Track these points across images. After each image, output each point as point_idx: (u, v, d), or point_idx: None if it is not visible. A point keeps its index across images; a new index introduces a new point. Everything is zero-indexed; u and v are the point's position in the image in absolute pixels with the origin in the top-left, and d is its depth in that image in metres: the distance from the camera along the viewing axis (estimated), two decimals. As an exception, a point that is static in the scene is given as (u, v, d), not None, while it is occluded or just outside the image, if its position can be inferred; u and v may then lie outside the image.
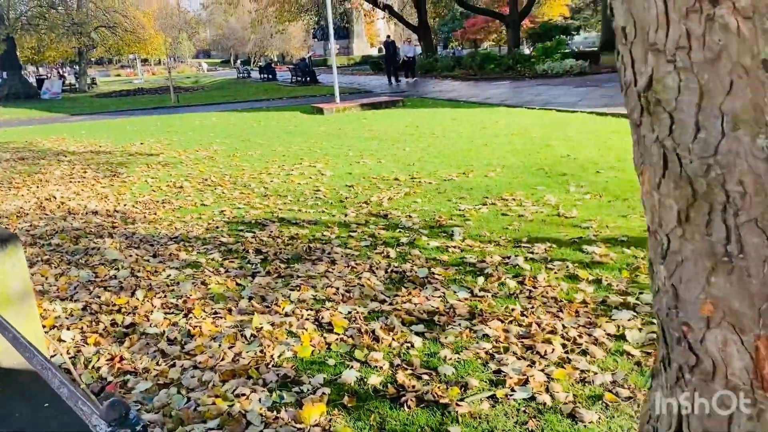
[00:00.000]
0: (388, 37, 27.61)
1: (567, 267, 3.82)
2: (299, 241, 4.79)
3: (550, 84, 17.72)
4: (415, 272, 3.91)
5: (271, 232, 5.09)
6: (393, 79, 24.35)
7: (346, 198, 6.12)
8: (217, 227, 5.36)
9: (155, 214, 5.94)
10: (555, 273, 3.74)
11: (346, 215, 5.47)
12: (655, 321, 3.01)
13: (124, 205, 6.42)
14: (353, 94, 20.29)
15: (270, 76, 35.00)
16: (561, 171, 6.57)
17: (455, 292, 3.55)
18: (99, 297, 3.86)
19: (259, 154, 9.27)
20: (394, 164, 7.70)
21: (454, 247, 4.39)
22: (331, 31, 16.02)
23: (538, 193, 5.73)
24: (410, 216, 5.28)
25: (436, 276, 3.83)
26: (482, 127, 10.27)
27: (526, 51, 28.37)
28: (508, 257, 4.09)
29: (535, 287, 3.54)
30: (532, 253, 4.14)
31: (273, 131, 11.96)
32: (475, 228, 4.81)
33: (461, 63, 26.78)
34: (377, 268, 4.05)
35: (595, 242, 4.26)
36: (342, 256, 4.36)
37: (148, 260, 4.55)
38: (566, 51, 22.35)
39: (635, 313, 3.11)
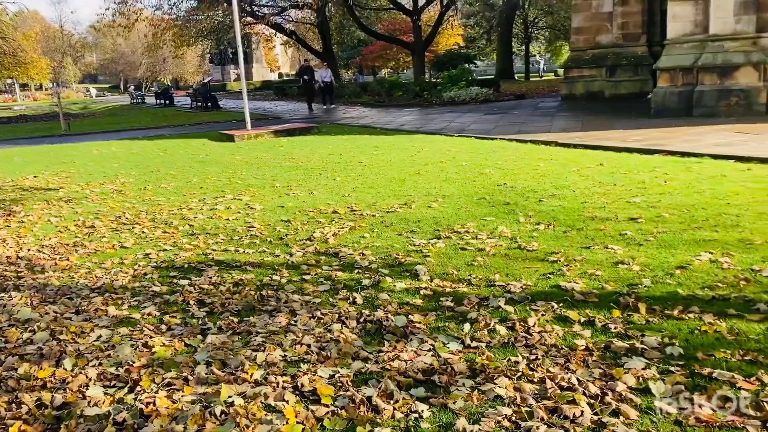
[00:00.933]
0: (306, 61, 27.12)
1: (552, 308, 3.57)
2: (246, 287, 4.27)
3: (458, 111, 17.97)
4: (392, 321, 3.52)
5: (211, 278, 4.53)
6: (312, 105, 23.76)
7: (286, 235, 5.64)
8: (146, 274, 4.72)
9: (68, 260, 5.19)
10: (543, 315, 3.48)
11: (291, 255, 5.00)
12: (672, 368, 2.80)
13: (28, 250, 5.59)
14: (261, 120, 19.65)
15: (167, 102, 33.54)
16: (503, 200, 6.42)
17: (445, 344, 3.19)
18: (15, 369, 3.17)
19: (174, 186, 8.55)
20: (328, 195, 7.28)
21: (425, 288, 4.04)
22: (241, 55, 15.40)
23: (489, 224, 5.52)
24: (363, 254, 4.89)
25: (416, 325, 3.46)
26: (409, 155, 10.07)
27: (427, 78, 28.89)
28: (487, 298, 3.79)
29: (529, 333, 3.25)
30: (510, 292, 3.86)
31: (183, 160, 11.18)
32: (439, 265, 4.49)
33: (367, 89, 26.81)
34: (347, 318, 3.62)
35: (569, 277, 4.05)
36: (301, 304, 3.89)
37: (70, 318, 3.88)
38: (471, 78, 22.85)
39: (646, 360, 2.88)
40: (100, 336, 3.56)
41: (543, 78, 44.49)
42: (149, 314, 3.88)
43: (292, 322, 3.61)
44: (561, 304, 3.61)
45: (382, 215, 6.14)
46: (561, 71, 51.49)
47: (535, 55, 55.08)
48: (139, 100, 38.32)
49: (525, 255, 4.62)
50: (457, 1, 32.68)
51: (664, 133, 10.33)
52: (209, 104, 26.67)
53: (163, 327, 3.67)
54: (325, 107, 23.34)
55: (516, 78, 40.81)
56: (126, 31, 30.88)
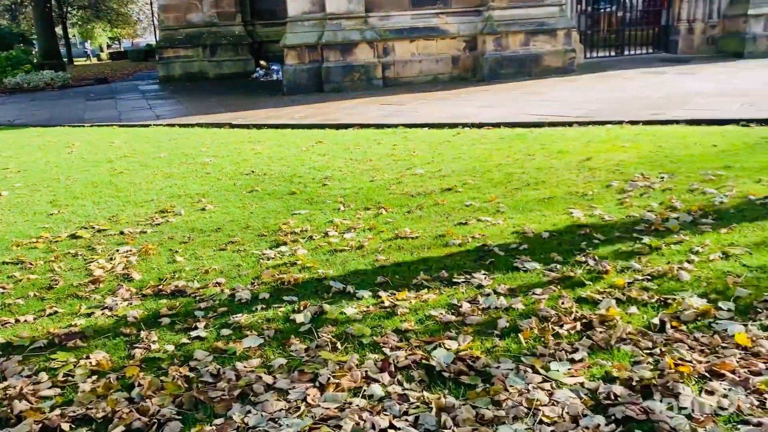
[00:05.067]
0: None
1: (554, 291, 3.13)
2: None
3: (40, 98, 14.88)
4: (438, 360, 2.54)
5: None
6: None
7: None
8: None
9: None
10: (565, 304, 3.01)
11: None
12: None
13: None
14: None
15: None
16: (287, 190, 5.46)
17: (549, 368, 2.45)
18: None
19: None
20: None
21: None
22: None
23: (316, 218, 4.61)
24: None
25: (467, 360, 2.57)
26: (94, 152, 7.76)
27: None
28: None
29: (604, 325, 2.75)
30: (489, 287, 3.24)
31: None
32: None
33: None
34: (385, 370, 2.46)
35: (494, 252, 3.63)
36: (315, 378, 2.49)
37: None
38: (36, 61, 19.18)
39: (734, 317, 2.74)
40: None
41: (94, 63, 40.62)
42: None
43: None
44: (563, 287, 3.19)
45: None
46: (105, 55, 48.09)
47: (74, 37, 49.79)
48: None
49: (432, 243, 3.98)
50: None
51: (320, 109, 10.46)
52: None
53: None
54: None
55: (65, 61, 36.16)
56: None
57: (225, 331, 2.92)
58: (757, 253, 3.36)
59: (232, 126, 9.42)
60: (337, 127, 8.65)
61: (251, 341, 2.79)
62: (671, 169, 5.20)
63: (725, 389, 2.19)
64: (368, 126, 8.61)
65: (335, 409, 2.24)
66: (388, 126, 8.44)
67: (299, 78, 12.95)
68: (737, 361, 2.36)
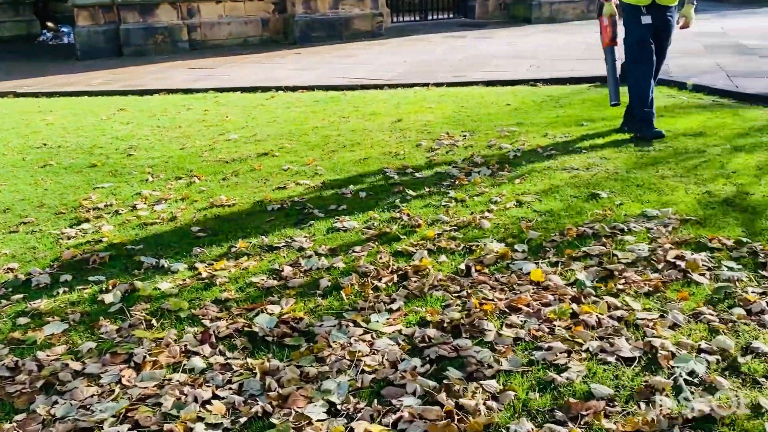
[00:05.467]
0: None
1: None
2: None
3: None
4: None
5: None
6: None
7: None
8: None
9: None
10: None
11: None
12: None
13: None
14: None
15: None
16: (68, 163, 5.02)
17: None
18: None
19: None
20: None
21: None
22: None
23: (123, 192, 4.31)
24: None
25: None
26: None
27: None
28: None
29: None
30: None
31: None
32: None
33: None
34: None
35: (314, 215, 3.68)
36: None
37: None
38: None
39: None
40: None
41: None
42: None
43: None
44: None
45: None
46: None
47: None
48: None
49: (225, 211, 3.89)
50: None
51: (121, 74, 9.67)
52: None
53: None
54: None
55: None
56: None
57: (22, 320, 2.65)
58: (545, 199, 3.76)
59: (17, 95, 8.38)
60: (142, 93, 8.07)
61: (54, 327, 2.56)
62: (472, 127, 5.59)
63: (522, 321, 2.45)
64: (176, 91, 8.15)
65: (154, 387, 2.14)
66: (198, 91, 8.06)
67: (95, 41, 11.81)
68: (531, 296, 2.64)
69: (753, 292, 2.57)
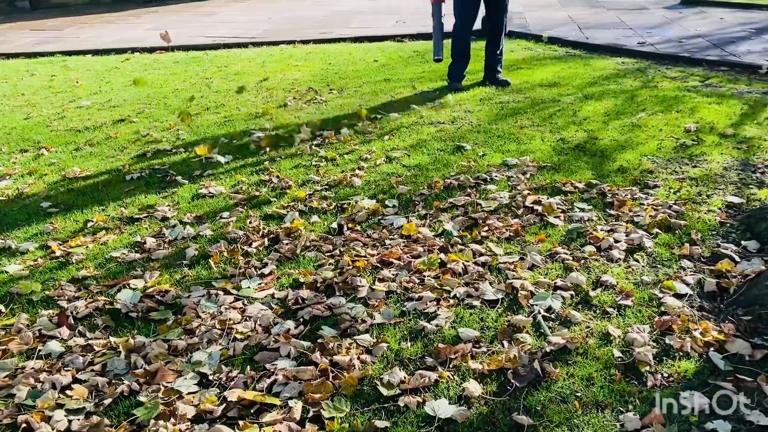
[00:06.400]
0: None
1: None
2: None
3: None
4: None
5: None
6: None
7: None
8: None
9: None
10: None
11: None
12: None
13: None
14: None
15: None
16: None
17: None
18: None
19: None
20: None
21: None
22: None
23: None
24: None
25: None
26: None
27: None
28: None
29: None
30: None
31: None
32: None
33: None
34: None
35: (177, 182, 3.53)
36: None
37: None
38: None
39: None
40: None
41: None
42: None
43: None
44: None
45: None
46: None
47: None
48: None
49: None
50: None
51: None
52: None
53: None
54: None
55: None
56: None
57: None
58: (413, 154, 3.82)
59: None
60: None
61: None
62: (341, 84, 5.54)
63: (393, 275, 2.49)
64: (17, 56, 7.43)
65: (6, 378, 1.98)
66: (43, 54, 7.39)
67: None
68: (402, 249, 2.69)
69: (602, 230, 2.77)
